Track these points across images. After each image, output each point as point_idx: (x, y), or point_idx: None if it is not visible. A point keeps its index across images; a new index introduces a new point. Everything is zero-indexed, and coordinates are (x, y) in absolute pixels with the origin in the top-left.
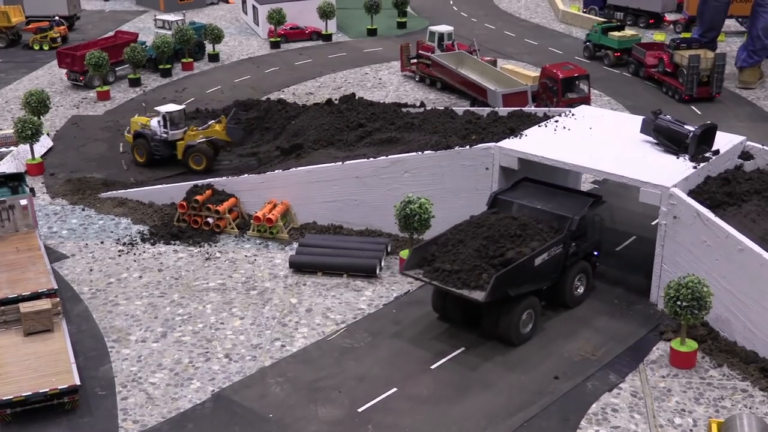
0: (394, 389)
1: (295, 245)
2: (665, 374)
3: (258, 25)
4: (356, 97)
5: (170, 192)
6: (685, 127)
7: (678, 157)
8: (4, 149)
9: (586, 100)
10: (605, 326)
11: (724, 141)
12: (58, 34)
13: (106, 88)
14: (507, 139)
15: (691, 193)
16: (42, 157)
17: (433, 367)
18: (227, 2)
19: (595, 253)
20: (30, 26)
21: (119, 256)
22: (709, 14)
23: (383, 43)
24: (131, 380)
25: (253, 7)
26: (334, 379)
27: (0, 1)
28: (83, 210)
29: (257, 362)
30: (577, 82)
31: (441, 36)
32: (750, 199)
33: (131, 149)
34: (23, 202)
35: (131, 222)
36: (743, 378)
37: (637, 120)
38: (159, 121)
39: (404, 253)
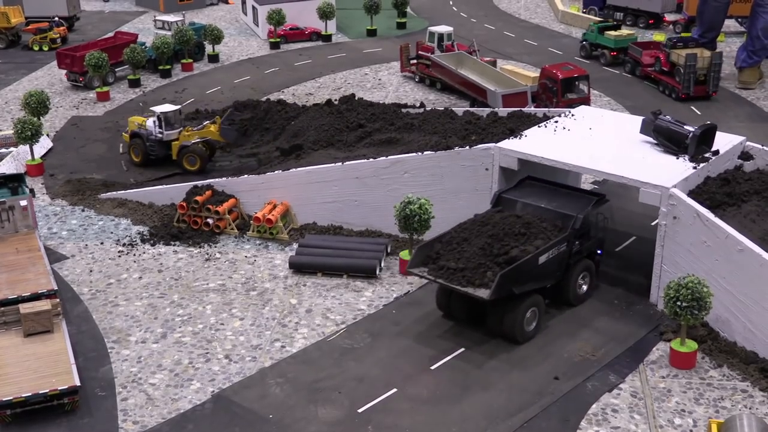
0: (394, 390)
1: (295, 246)
2: (665, 375)
3: (258, 25)
4: (356, 98)
5: (170, 193)
6: (685, 127)
7: (678, 158)
8: (3, 150)
9: (585, 101)
10: (605, 327)
11: (724, 141)
12: (58, 35)
13: (105, 88)
14: (507, 140)
15: (691, 194)
16: (42, 157)
17: (433, 367)
18: (227, 3)
19: (599, 251)
20: (29, 27)
21: (119, 256)
22: (708, 14)
23: (383, 44)
24: (131, 381)
25: (253, 7)
26: (334, 380)
27: (0, 2)
28: (83, 211)
29: (257, 363)
30: (576, 83)
31: (441, 36)
32: (750, 199)
33: (128, 149)
34: (23, 202)
35: (131, 223)
36: (743, 378)
37: (637, 120)
38: (154, 122)
39: (404, 254)
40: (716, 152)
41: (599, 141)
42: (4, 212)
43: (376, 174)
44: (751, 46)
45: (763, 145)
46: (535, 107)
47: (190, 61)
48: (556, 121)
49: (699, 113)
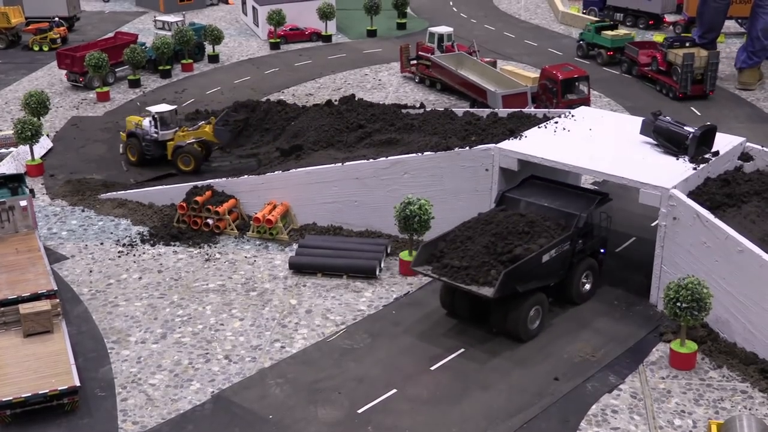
0: (394, 390)
1: (295, 246)
2: (665, 375)
3: (258, 26)
4: (356, 98)
5: (170, 193)
6: (685, 128)
7: (678, 159)
8: (3, 150)
9: (585, 102)
10: (605, 327)
11: (724, 142)
12: (58, 35)
13: (105, 89)
14: (507, 141)
15: (691, 195)
16: (42, 158)
17: (432, 368)
18: (227, 3)
19: (602, 250)
20: (30, 27)
21: (119, 257)
22: (708, 15)
23: (383, 44)
24: (131, 381)
25: (253, 8)
26: (334, 381)
27: (0, 2)
28: (83, 211)
29: (257, 363)
30: (576, 84)
31: (441, 37)
32: (750, 200)
33: (125, 148)
34: (23, 203)
35: (131, 223)
36: (743, 379)
37: (637, 121)
38: (150, 121)
39: (404, 255)
40: (716, 153)
41: (599, 142)
42: (4, 212)
43: (376, 174)
44: (751, 47)
45: (762, 146)
46: (535, 108)
47: (190, 61)
48: (556, 122)
49: (699, 114)
